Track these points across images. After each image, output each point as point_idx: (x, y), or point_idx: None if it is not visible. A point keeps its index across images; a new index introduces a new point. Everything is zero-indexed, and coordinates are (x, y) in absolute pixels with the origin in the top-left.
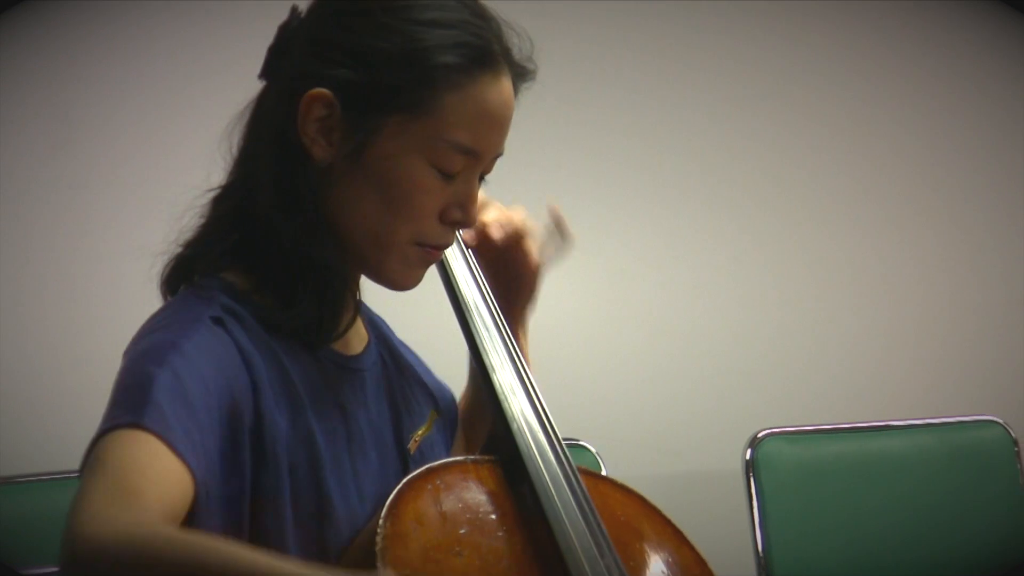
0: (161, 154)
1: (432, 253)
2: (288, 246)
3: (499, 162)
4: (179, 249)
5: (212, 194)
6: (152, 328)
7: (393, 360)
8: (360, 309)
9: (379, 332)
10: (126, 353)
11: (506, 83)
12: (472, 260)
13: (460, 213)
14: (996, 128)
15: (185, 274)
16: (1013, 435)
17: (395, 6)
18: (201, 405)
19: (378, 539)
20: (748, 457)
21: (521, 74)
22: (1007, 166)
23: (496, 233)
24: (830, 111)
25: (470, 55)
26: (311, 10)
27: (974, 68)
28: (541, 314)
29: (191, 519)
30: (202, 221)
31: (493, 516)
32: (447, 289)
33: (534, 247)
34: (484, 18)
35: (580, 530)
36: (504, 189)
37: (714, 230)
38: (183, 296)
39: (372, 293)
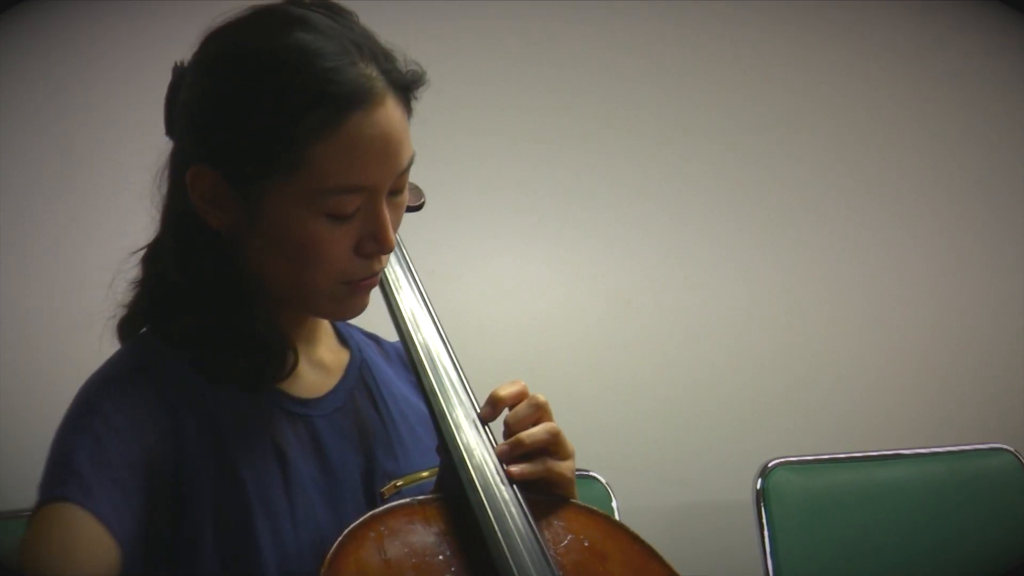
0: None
1: (363, 284)
2: (203, 303)
3: (509, 160)
4: (123, 311)
5: (142, 253)
6: (84, 387)
7: (380, 405)
8: (351, 346)
9: (372, 376)
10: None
11: (381, 111)
12: (420, 289)
13: (374, 245)
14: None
15: (132, 330)
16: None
17: (255, 72)
18: (123, 462)
19: None
20: (758, 487)
21: (408, 85)
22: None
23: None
24: (833, 119)
25: (333, 103)
26: (189, 82)
27: (974, 69)
28: (550, 343)
29: None
30: (137, 281)
31: (441, 557)
32: (394, 323)
33: (564, 467)
34: (350, 49)
35: (525, 565)
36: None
37: (721, 260)
38: (120, 350)
39: None
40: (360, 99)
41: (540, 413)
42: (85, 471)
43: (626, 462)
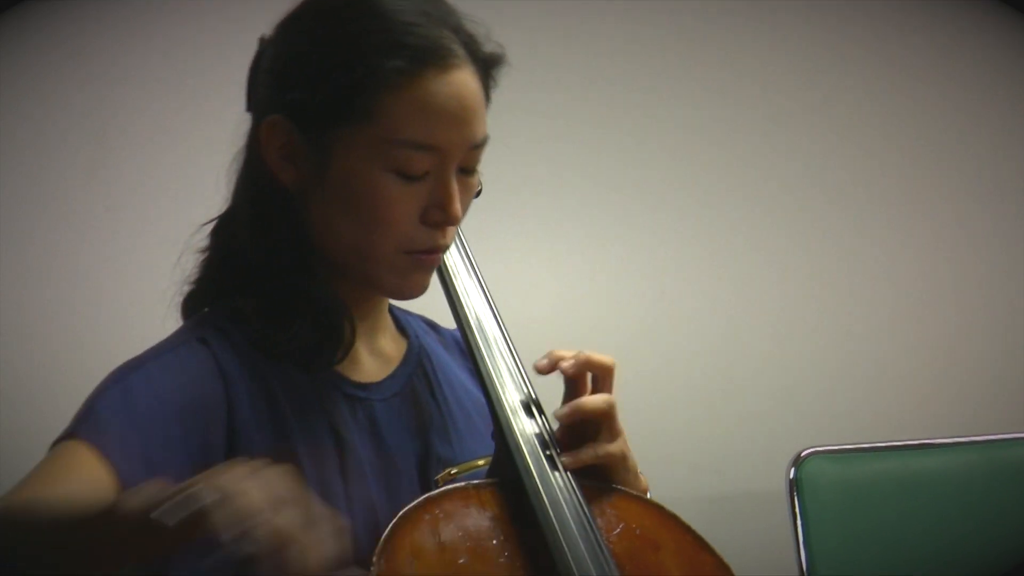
0: (198, 178)
1: (425, 258)
2: (269, 275)
3: (539, 154)
4: (189, 287)
5: (210, 226)
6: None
7: (437, 392)
8: (410, 335)
9: (430, 363)
10: None
11: (458, 75)
12: (478, 274)
13: (440, 213)
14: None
15: (196, 307)
16: None
17: (335, 21)
18: (150, 418)
19: None
20: (791, 476)
21: (487, 61)
22: None
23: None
24: (866, 114)
25: (410, 55)
26: (274, 42)
27: (974, 69)
28: (583, 335)
29: None
30: (204, 255)
31: (495, 542)
32: (450, 306)
33: (613, 448)
34: (433, 14)
35: (578, 552)
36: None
37: (754, 249)
38: (181, 326)
39: None
40: (438, 56)
41: (605, 371)
42: (103, 413)
43: (659, 453)
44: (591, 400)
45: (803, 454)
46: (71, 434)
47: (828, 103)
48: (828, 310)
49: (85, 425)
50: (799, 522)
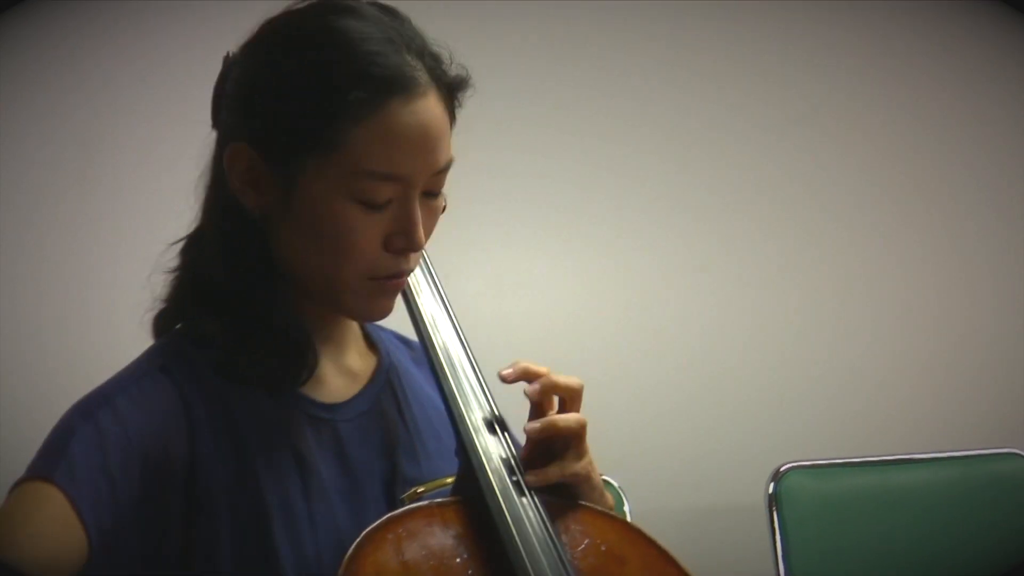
0: (187, 190)
1: (389, 284)
2: (236, 295)
3: (523, 157)
4: (160, 304)
5: (180, 245)
6: (104, 382)
7: (405, 410)
8: (381, 351)
9: (399, 380)
10: None
11: (423, 103)
12: (440, 292)
13: (403, 240)
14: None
15: (167, 324)
16: None
17: (298, 49)
18: (120, 456)
19: None
20: (771, 491)
21: (452, 85)
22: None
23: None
24: (849, 122)
25: (374, 86)
26: (239, 64)
27: (974, 69)
28: (562, 346)
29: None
30: (175, 273)
31: (459, 560)
32: (413, 324)
33: (579, 468)
34: (397, 40)
35: (541, 568)
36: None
37: (736, 263)
38: (147, 349)
39: None
40: (402, 86)
41: (573, 393)
42: (77, 457)
43: (639, 465)
44: (564, 419)
45: (782, 468)
46: (47, 476)
47: (824, 109)
48: (809, 326)
49: (60, 469)
50: (778, 536)
